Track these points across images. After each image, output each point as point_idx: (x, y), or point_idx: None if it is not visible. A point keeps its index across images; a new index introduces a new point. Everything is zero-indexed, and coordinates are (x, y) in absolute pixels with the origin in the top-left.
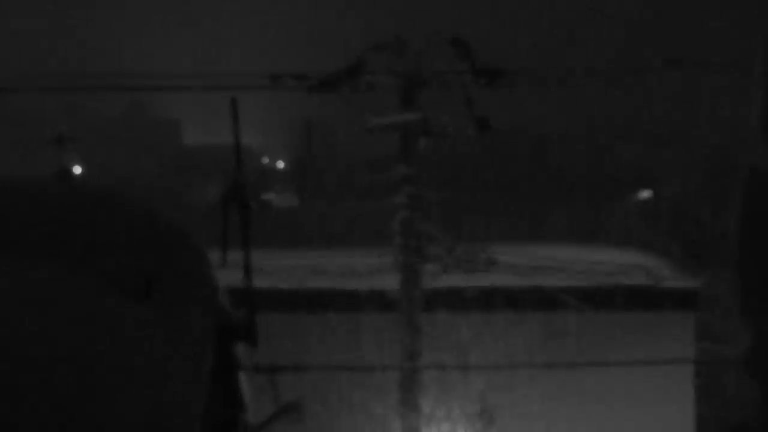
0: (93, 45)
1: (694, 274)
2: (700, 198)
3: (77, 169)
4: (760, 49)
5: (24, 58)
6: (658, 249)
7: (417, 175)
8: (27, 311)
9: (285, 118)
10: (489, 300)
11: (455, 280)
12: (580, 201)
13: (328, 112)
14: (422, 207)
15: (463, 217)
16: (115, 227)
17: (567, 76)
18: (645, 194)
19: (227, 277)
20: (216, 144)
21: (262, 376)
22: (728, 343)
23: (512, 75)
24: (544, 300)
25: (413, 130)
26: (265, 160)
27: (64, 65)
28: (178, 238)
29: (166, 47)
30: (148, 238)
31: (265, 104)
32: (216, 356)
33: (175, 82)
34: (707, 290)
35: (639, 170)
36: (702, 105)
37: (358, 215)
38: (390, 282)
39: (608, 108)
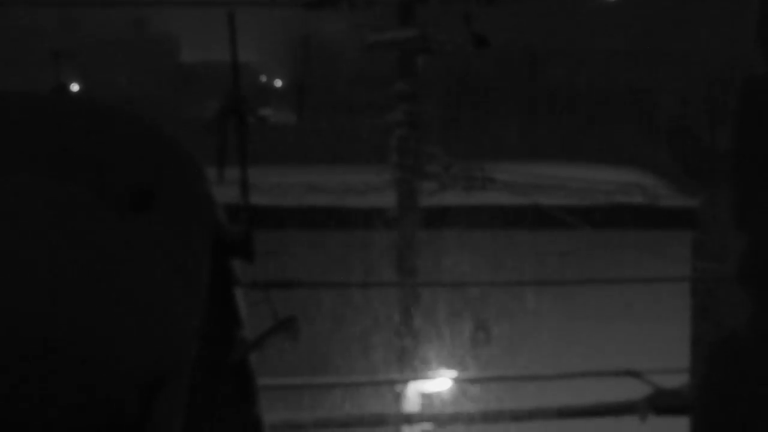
0: None
1: (692, 192)
2: (698, 115)
3: (75, 86)
4: None
5: None
6: (656, 167)
7: (414, 93)
8: (16, 223)
9: (283, 36)
10: (486, 218)
11: (452, 197)
12: (578, 119)
13: (327, 30)
14: (419, 124)
15: (461, 134)
16: (111, 140)
17: None
18: None
19: (224, 193)
20: (214, 61)
21: (258, 292)
22: (725, 262)
23: None
24: (541, 218)
25: (411, 47)
26: (263, 78)
27: None
28: (175, 152)
29: None
30: (145, 151)
31: (263, 22)
32: (213, 272)
33: None
34: (704, 209)
35: (637, 88)
36: (698, 22)
37: (355, 133)
38: (387, 199)
39: (606, 27)
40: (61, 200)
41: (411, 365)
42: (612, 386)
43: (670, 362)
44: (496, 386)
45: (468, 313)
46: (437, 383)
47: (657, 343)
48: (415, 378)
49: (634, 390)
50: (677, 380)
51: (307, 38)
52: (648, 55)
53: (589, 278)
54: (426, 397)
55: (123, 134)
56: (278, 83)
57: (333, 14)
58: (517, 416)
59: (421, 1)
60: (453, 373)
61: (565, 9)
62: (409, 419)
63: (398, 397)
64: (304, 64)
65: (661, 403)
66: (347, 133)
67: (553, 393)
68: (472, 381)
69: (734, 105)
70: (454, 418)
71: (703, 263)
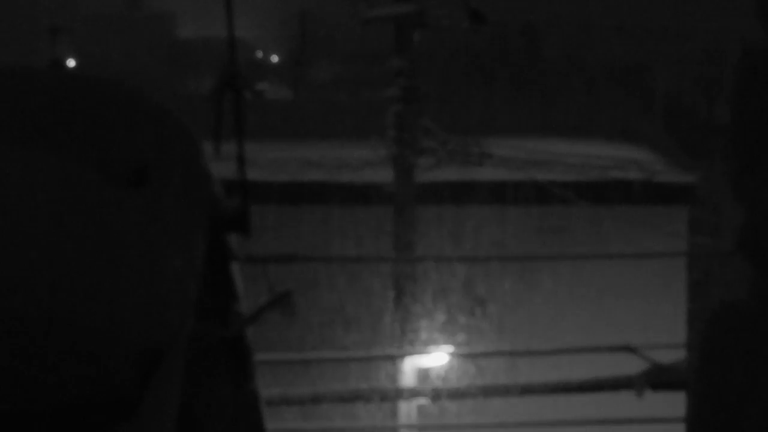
0: None
1: (688, 167)
2: (695, 91)
3: (71, 62)
4: None
5: None
6: (653, 143)
7: (411, 68)
8: (14, 198)
9: (279, 11)
10: (483, 193)
11: (449, 173)
12: (576, 94)
13: (323, 5)
14: (416, 100)
15: (458, 109)
16: (109, 115)
17: None
18: None
19: (221, 169)
20: (210, 37)
21: (254, 266)
22: (721, 237)
23: None
24: (538, 193)
25: (407, 22)
26: (260, 54)
27: None
28: (173, 127)
29: None
30: (143, 127)
31: None
32: (209, 246)
33: None
34: (701, 184)
35: (634, 63)
36: None
37: (351, 108)
38: (383, 175)
39: (604, 2)
40: (59, 175)
41: (407, 340)
42: (608, 361)
43: (667, 337)
44: (493, 361)
45: (464, 288)
46: (434, 358)
47: (653, 318)
48: (412, 353)
49: (630, 365)
50: (674, 355)
51: (304, 14)
52: (645, 30)
53: (585, 253)
54: (422, 372)
55: (121, 110)
56: (275, 59)
57: None
58: (513, 391)
59: None
60: (449, 348)
61: None
62: (406, 394)
63: (394, 372)
64: (300, 39)
65: (657, 379)
66: (343, 109)
67: (548, 368)
68: (469, 356)
69: (731, 76)
70: (450, 393)
71: (700, 238)
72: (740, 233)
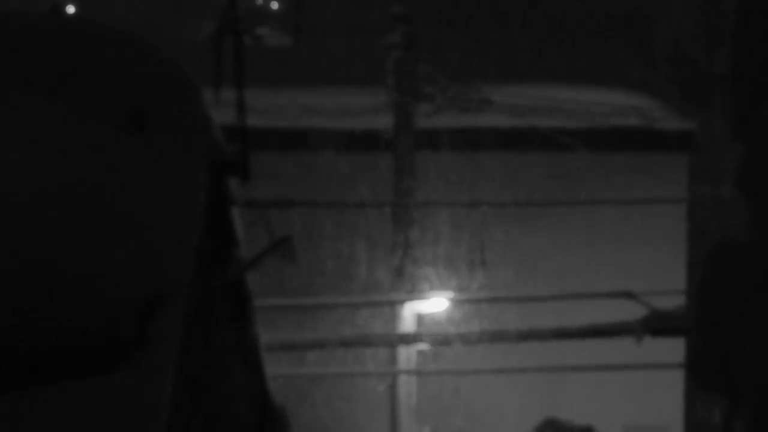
0: None
1: (689, 115)
2: (695, 36)
3: (71, 8)
4: None
5: None
6: (653, 90)
7: (411, 14)
8: (12, 143)
9: None
10: (483, 140)
11: (449, 119)
12: (576, 41)
13: None
14: (416, 46)
15: (458, 56)
16: (109, 60)
17: None
18: None
19: (220, 115)
20: None
21: (254, 211)
22: (721, 184)
23: None
24: (538, 140)
25: None
26: (259, 1)
27: None
28: (173, 73)
29: None
30: (142, 72)
31: None
32: (210, 191)
33: None
34: (701, 131)
35: (635, 10)
36: None
37: (351, 54)
38: (383, 121)
39: None
40: (58, 119)
41: (407, 286)
42: (608, 308)
43: (666, 284)
44: (492, 307)
45: (464, 235)
46: (433, 304)
47: (653, 265)
48: (411, 298)
49: (630, 311)
50: (673, 302)
51: None
52: None
53: (585, 200)
54: (422, 318)
55: (121, 55)
56: (274, 5)
57: None
58: (512, 337)
59: None
60: (449, 294)
61: None
62: (405, 339)
63: (394, 318)
64: None
65: (656, 325)
66: (343, 55)
67: (549, 314)
68: (468, 301)
69: (731, 23)
70: (449, 339)
71: (700, 186)
72: (739, 178)
